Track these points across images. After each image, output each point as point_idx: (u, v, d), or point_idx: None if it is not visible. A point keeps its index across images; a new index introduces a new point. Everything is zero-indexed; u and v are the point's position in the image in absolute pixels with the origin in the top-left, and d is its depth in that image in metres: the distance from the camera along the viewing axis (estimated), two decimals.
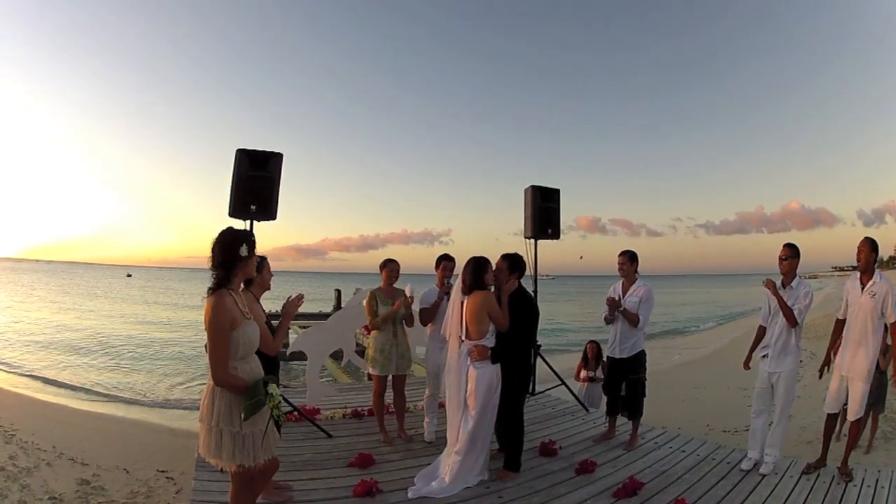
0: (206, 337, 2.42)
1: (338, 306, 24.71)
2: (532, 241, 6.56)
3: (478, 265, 3.86)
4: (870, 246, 3.92)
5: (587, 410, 5.87)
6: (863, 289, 3.93)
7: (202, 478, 3.51)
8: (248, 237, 2.56)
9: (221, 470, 2.55)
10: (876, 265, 3.96)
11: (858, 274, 4.01)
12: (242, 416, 2.36)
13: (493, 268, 3.95)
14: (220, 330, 2.38)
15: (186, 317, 29.13)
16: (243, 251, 2.47)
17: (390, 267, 4.76)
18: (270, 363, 3.05)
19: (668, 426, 7.27)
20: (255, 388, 2.40)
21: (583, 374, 6.70)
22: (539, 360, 6.24)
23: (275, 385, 2.49)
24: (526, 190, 6.58)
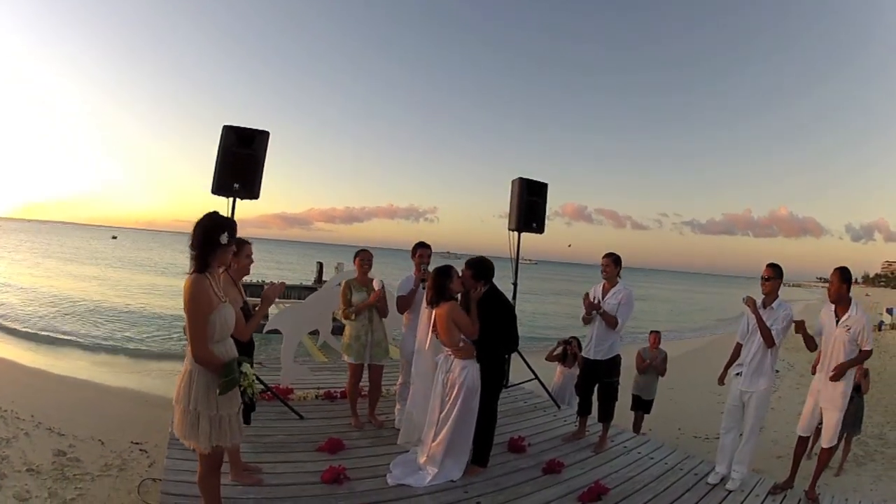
0: (184, 317, 2.45)
1: (319, 279, 24.68)
2: (516, 233, 6.53)
3: (439, 276, 3.85)
4: (840, 277, 3.90)
5: (559, 407, 5.88)
6: (837, 321, 3.90)
7: (174, 456, 3.51)
8: (230, 225, 2.54)
9: (193, 450, 2.57)
10: (850, 294, 3.92)
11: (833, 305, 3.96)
12: (218, 392, 2.41)
13: (459, 275, 3.92)
14: (199, 309, 2.40)
15: (162, 281, 28.75)
16: (223, 239, 2.47)
17: (363, 256, 4.79)
18: (244, 347, 3.05)
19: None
20: (230, 367, 2.44)
21: (559, 370, 6.70)
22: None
23: (248, 364, 2.52)
24: (513, 182, 6.53)
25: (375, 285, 4.70)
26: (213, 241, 2.45)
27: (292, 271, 44.13)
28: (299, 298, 21.88)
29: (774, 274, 4.09)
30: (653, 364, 6.58)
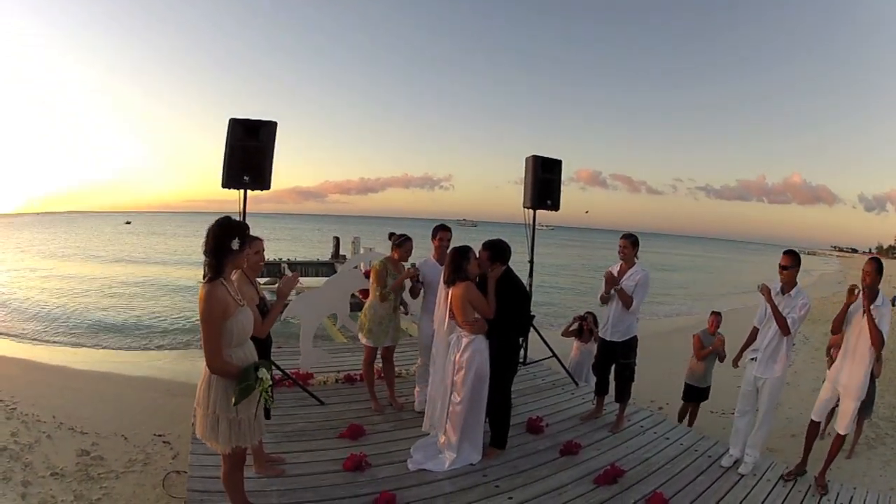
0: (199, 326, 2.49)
1: (336, 254, 24.90)
2: (531, 211, 6.51)
3: (457, 256, 3.85)
4: (876, 268, 3.78)
5: (576, 384, 5.93)
6: (864, 311, 3.77)
7: (198, 451, 3.56)
8: (241, 230, 2.58)
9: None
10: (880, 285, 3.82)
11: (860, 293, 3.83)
12: (233, 401, 2.45)
13: (476, 256, 3.93)
14: (213, 320, 2.44)
15: (172, 269, 28.31)
16: (234, 244, 2.51)
17: (406, 247, 4.72)
18: (262, 344, 3.09)
19: (656, 399, 7.38)
20: (246, 374, 2.47)
21: (575, 345, 6.72)
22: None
23: (265, 370, 2.54)
24: (527, 159, 6.49)
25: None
26: (225, 247, 2.48)
27: (309, 245, 43.91)
28: (316, 275, 22.17)
29: (793, 262, 3.99)
30: (714, 349, 5.95)
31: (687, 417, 6.16)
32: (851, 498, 3.81)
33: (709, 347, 5.94)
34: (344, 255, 24.55)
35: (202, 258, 2.51)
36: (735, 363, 4.41)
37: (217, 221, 2.52)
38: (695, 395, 6.08)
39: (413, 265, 4.74)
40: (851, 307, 3.89)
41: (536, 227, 6.64)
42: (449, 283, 3.85)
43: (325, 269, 23.21)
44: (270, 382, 2.50)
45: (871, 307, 3.78)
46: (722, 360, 5.97)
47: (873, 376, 5.57)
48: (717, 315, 6.19)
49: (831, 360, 5.55)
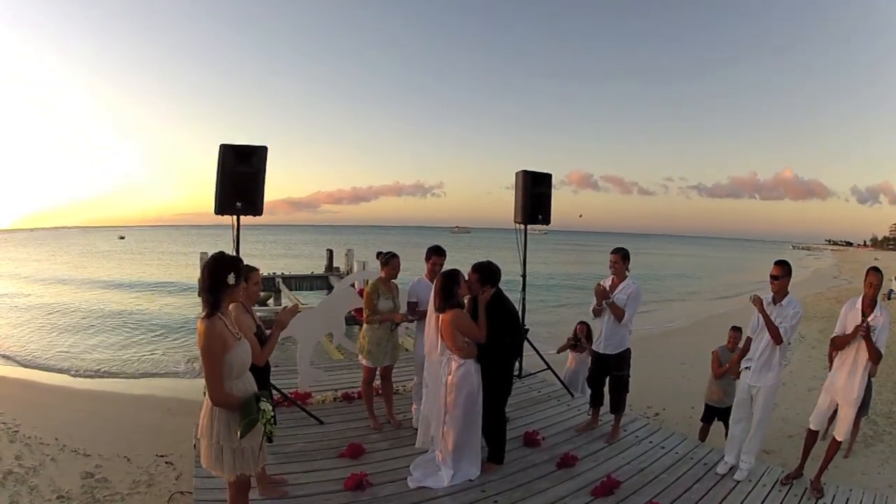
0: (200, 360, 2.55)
1: (329, 266, 24.86)
2: (522, 226, 6.55)
3: (446, 282, 3.89)
4: (879, 279, 3.83)
5: (572, 396, 5.98)
6: (863, 319, 3.81)
7: (202, 474, 3.55)
8: (236, 265, 2.65)
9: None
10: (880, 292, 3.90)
11: (859, 303, 3.90)
12: (238, 435, 2.50)
13: (466, 278, 3.99)
14: (213, 355, 2.50)
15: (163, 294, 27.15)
16: (230, 279, 2.56)
17: (393, 264, 4.78)
18: (260, 372, 3.15)
19: (652, 405, 7.44)
20: (248, 407, 2.52)
21: (571, 356, 6.78)
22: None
23: (265, 401, 2.59)
24: (517, 174, 6.53)
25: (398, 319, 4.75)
26: (221, 282, 2.54)
27: (302, 257, 43.35)
28: (311, 289, 22.08)
29: (783, 272, 4.03)
30: (731, 367, 5.22)
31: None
32: (847, 500, 3.82)
33: (726, 365, 5.42)
34: (338, 268, 24.45)
35: (194, 278, 2.57)
36: (735, 374, 4.47)
37: (212, 257, 2.59)
38: (714, 416, 5.66)
39: (405, 315, 4.78)
40: (847, 320, 3.94)
41: (529, 231, 6.66)
42: (439, 310, 3.89)
43: (319, 282, 23.12)
44: (272, 413, 2.56)
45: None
46: (737, 377, 5.31)
47: (869, 375, 5.65)
48: (736, 330, 5.64)
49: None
